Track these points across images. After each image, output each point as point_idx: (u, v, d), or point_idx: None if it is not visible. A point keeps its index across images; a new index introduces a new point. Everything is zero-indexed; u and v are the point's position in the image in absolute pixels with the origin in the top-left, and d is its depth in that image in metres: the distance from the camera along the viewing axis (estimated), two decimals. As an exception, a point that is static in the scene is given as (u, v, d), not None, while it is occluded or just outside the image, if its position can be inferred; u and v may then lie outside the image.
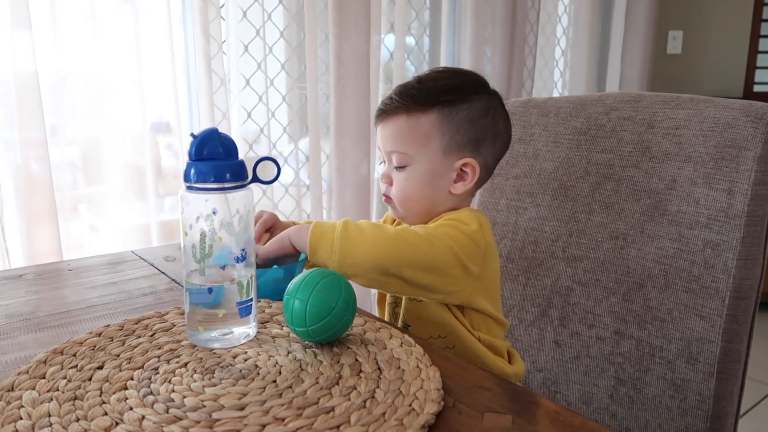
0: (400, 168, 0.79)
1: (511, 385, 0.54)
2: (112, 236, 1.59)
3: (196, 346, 0.59)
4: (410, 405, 0.48)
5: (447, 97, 0.78)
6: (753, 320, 0.83)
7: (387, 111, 0.79)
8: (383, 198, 0.84)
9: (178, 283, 0.82)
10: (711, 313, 0.82)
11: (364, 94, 1.81)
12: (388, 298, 0.86)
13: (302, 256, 0.76)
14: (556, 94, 2.53)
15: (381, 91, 1.93)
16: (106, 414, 0.47)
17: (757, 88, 2.85)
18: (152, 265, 0.90)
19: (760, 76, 2.87)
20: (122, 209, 1.58)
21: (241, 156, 0.59)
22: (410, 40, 2.10)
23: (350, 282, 0.61)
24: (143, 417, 0.46)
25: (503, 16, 2.13)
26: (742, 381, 0.85)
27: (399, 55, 1.95)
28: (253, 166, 0.60)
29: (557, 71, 2.52)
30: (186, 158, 0.57)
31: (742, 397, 0.86)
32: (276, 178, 0.62)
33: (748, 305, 0.81)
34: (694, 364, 0.83)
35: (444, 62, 2.13)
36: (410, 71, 2.12)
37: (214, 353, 0.57)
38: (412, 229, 0.72)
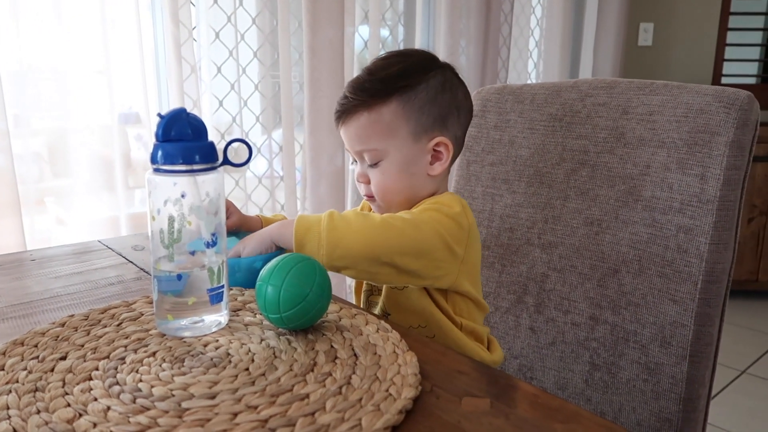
0: (373, 165, 0.77)
1: (489, 369, 0.53)
2: (80, 229, 1.55)
3: (165, 335, 0.57)
4: (387, 390, 0.47)
5: (403, 83, 0.75)
6: (724, 304, 0.84)
7: (346, 111, 0.77)
8: (365, 198, 0.82)
9: (146, 273, 0.79)
10: (684, 297, 0.82)
11: (339, 84, 1.79)
12: (364, 286, 0.85)
13: None
14: (530, 86, 2.54)
15: (355, 81, 1.91)
16: (68, 405, 0.45)
17: (725, 80, 2.91)
18: (120, 255, 0.87)
19: (728, 68, 2.92)
20: (90, 202, 1.53)
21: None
22: (384, 31, 2.08)
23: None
24: (108, 408, 0.44)
25: (477, 7, 2.13)
26: (713, 364, 0.86)
27: (373, 44, 1.94)
28: (223, 148, 0.58)
29: (531, 62, 2.53)
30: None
31: (714, 380, 0.88)
32: (248, 161, 0.60)
33: (720, 289, 0.82)
34: (667, 348, 0.84)
35: (419, 52, 2.11)
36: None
37: (184, 342, 0.55)
38: (397, 215, 0.71)
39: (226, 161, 0.57)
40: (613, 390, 0.89)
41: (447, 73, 0.79)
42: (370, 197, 0.80)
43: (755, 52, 3.06)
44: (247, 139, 1.69)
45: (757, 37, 3.05)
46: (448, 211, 0.73)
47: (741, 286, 2.60)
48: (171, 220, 0.55)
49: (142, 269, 0.81)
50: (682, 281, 0.82)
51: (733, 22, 2.87)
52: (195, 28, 1.60)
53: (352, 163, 0.82)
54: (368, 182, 0.79)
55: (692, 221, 0.82)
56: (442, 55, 2.23)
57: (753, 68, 3.05)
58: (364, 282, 0.85)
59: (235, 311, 0.63)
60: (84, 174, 1.52)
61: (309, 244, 0.65)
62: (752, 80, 3.00)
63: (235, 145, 0.60)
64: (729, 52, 2.91)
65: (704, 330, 0.82)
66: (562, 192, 0.94)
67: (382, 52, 2.01)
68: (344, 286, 1.85)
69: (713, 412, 1.45)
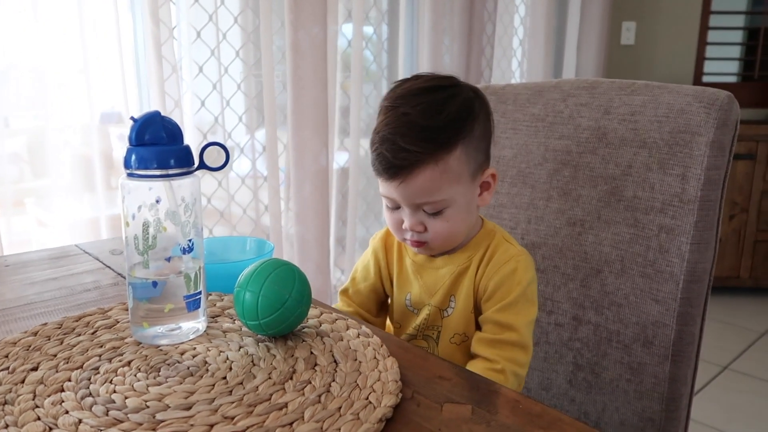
0: (436, 214, 0.72)
1: (471, 374, 0.53)
2: (61, 231, 1.52)
3: (141, 343, 0.56)
4: (367, 398, 0.46)
5: (462, 125, 0.70)
6: (706, 303, 0.84)
7: (408, 166, 0.68)
8: (409, 243, 0.75)
9: (124, 278, 0.78)
10: (666, 297, 0.83)
11: (322, 83, 1.77)
12: (407, 334, 0.81)
13: (270, 248, 0.73)
14: (514, 84, 2.54)
15: (339, 81, 1.90)
16: (38, 419, 0.43)
17: (705, 79, 2.94)
18: (97, 259, 0.85)
19: (709, 66, 2.95)
20: (71, 203, 1.51)
21: (195, 146, 0.56)
22: (368, 29, 2.07)
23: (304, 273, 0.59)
24: (80, 420, 0.43)
25: (461, 5, 2.12)
26: (695, 363, 0.86)
27: (357, 43, 1.92)
28: (199, 151, 0.57)
29: (515, 60, 2.54)
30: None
31: (696, 378, 0.88)
32: (224, 165, 0.59)
33: (701, 288, 0.82)
34: (649, 348, 0.84)
35: (402, 51, 2.11)
36: (368, 59, 2.09)
37: (161, 350, 0.54)
38: (513, 357, 0.72)
39: (203, 165, 0.56)
40: (597, 390, 0.89)
41: (481, 99, 0.75)
42: (420, 243, 0.74)
43: (736, 51, 3.09)
44: (223, 142, 1.68)
45: (738, 36, 3.08)
46: (533, 295, 0.76)
47: (723, 283, 2.63)
48: (146, 225, 0.54)
49: (119, 274, 0.79)
50: (663, 281, 0.83)
51: (713, 20, 2.90)
52: (176, 27, 1.58)
53: (393, 208, 0.74)
54: (424, 230, 0.73)
55: (673, 221, 0.82)
56: (425, 54, 2.20)
57: (734, 67, 3.08)
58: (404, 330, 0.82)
59: (213, 317, 0.61)
60: (65, 174, 1.49)
61: None
62: (733, 78, 3.03)
63: (214, 147, 0.59)
64: (710, 51, 2.94)
65: (686, 329, 0.82)
66: (545, 192, 0.94)
67: (366, 51, 1.98)
68: (329, 289, 1.85)
69: (696, 408, 1.47)
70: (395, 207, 0.74)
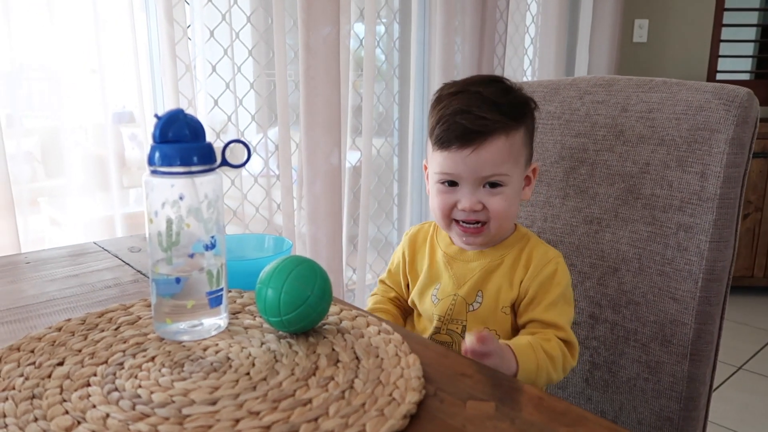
0: (495, 190, 0.74)
1: (493, 371, 0.53)
2: (75, 230, 1.53)
3: (164, 339, 0.56)
4: (390, 394, 0.47)
5: (527, 110, 0.76)
6: (725, 302, 0.84)
7: (485, 132, 0.71)
8: (468, 227, 0.75)
9: (143, 275, 0.78)
10: (684, 295, 0.82)
11: (335, 82, 1.77)
12: (432, 326, 0.81)
13: (289, 246, 0.74)
14: (525, 83, 2.53)
15: (351, 80, 1.90)
16: (67, 413, 0.44)
17: (719, 77, 2.91)
18: (116, 257, 0.86)
19: (722, 64, 2.92)
20: (85, 202, 1.52)
21: (208, 143, 0.56)
22: (380, 28, 2.07)
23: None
24: (108, 415, 0.44)
25: (473, 4, 2.12)
26: (714, 362, 0.86)
27: (369, 42, 1.92)
28: (222, 149, 0.57)
29: (527, 59, 2.52)
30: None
31: (714, 378, 0.87)
32: (246, 162, 0.59)
33: (720, 287, 0.82)
34: (668, 347, 0.84)
35: (415, 50, 2.10)
36: (380, 59, 2.09)
37: (183, 346, 0.55)
38: (557, 344, 0.73)
39: (225, 162, 0.57)
40: (614, 389, 0.89)
41: (531, 98, 0.80)
42: (477, 224, 0.75)
43: (749, 48, 3.06)
44: (244, 139, 1.68)
45: (751, 33, 3.06)
46: (571, 296, 0.78)
47: (736, 282, 2.59)
48: (169, 222, 0.54)
49: (138, 271, 0.80)
50: (682, 279, 0.82)
51: (727, 18, 2.88)
52: (189, 26, 1.58)
53: (443, 182, 0.75)
54: (482, 209, 0.74)
55: (692, 219, 0.81)
56: (437, 53, 2.20)
57: (747, 64, 3.05)
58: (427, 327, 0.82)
59: (234, 314, 0.62)
60: (78, 174, 1.50)
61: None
62: (746, 76, 3.01)
63: (232, 145, 0.60)
64: (723, 49, 2.91)
65: (705, 328, 0.81)
66: (561, 190, 0.94)
67: (378, 50, 1.99)
68: (342, 290, 1.85)
69: (711, 408, 1.46)
70: (452, 185, 0.75)
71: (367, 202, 2.01)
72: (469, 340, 0.61)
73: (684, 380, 0.83)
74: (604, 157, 0.90)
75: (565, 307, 0.76)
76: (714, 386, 1.95)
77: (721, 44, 2.90)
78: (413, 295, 0.83)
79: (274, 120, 1.77)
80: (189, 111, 1.56)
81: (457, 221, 0.76)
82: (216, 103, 1.66)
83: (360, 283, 2.02)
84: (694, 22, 2.90)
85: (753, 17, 3.01)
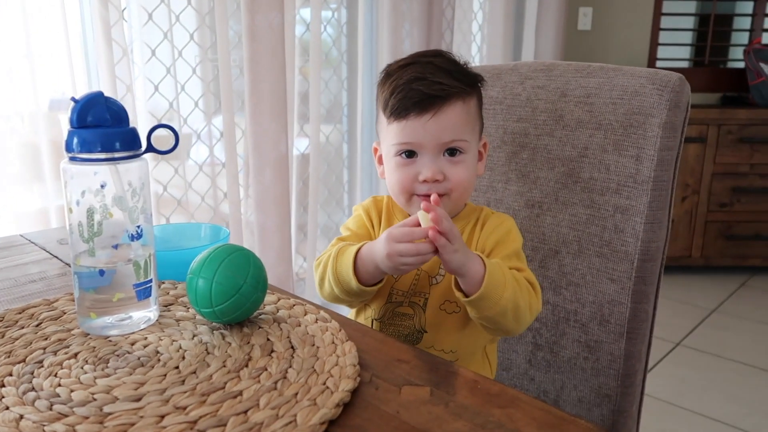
0: (456, 158, 0.73)
1: (430, 356, 0.53)
2: (6, 221, 1.46)
3: (89, 334, 0.54)
4: (324, 383, 0.46)
5: (477, 80, 0.76)
6: (659, 282, 0.86)
7: (443, 97, 0.70)
8: (429, 197, 0.69)
9: (73, 268, 0.75)
10: (621, 276, 0.84)
11: (280, 69, 1.74)
12: (392, 297, 0.78)
13: (226, 234, 0.71)
14: (474, 69, 2.54)
15: (297, 65, 1.87)
16: (-24, 416, 0.41)
17: (659, 64, 3.01)
18: (44, 249, 0.82)
19: (662, 52, 3.02)
20: (19, 192, 1.44)
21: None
22: (327, 13, 2.04)
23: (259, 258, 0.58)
24: (21, 416, 0.41)
25: (421, -11, 2.11)
26: (649, 340, 0.88)
27: (315, 27, 1.89)
28: (147, 134, 0.54)
29: (474, 45, 2.54)
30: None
31: (650, 355, 0.90)
32: (174, 148, 0.57)
33: (655, 267, 0.84)
34: (605, 326, 0.86)
35: (363, 35, 2.08)
36: (327, 44, 2.06)
37: (110, 341, 0.52)
38: (525, 281, 0.72)
39: (151, 148, 0.54)
40: (555, 368, 0.91)
41: None
42: (440, 196, 0.71)
43: (688, 37, 3.17)
44: (179, 129, 1.63)
45: (690, 22, 3.16)
46: (524, 258, 0.78)
47: (676, 262, 2.71)
48: (91, 212, 0.51)
49: (67, 264, 0.76)
50: (619, 260, 0.84)
51: (666, 7, 2.96)
52: (125, 8, 1.52)
53: (408, 159, 0.73)
54: (444, 179, 0.72)
55: (628, 201, 0.83)
56: (385, 38, 2.17)
57: (686, 52, 3.16)
58: (394, 293, 0.78)
59: (166, 306, 0.60)
60: (12, 163, 1.43)
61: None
62: (685, 64, 3.11)
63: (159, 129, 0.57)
64: (663, 37, 3.00)
65: (640, 307, 0.84)
66: (504, 175, 0.95)
67: (325, 35, 1.95)
68: (291, 278, 1.83)
69: (650, 383, 1.51)
70: (410, 156, 0.73)
71: (317, 190, 1.99)
72: (423, 220, 0.64)
73: (621, 358, 0.85)
74: (545, 142, 0.91)
75: (523, 262, 0.77)
76: (654, 362, 2.02)
77: (661, 32, 2.99)
78: None
79: (219, 107, 1.72)
80: (127, 97, 1.50)
81: (417, 195, 0.74)
82: (156, 88, 1.60)
83: (310, 272, 2.00)
84: (636, 10, 2.97)
85: (691, 6, 3.11)
